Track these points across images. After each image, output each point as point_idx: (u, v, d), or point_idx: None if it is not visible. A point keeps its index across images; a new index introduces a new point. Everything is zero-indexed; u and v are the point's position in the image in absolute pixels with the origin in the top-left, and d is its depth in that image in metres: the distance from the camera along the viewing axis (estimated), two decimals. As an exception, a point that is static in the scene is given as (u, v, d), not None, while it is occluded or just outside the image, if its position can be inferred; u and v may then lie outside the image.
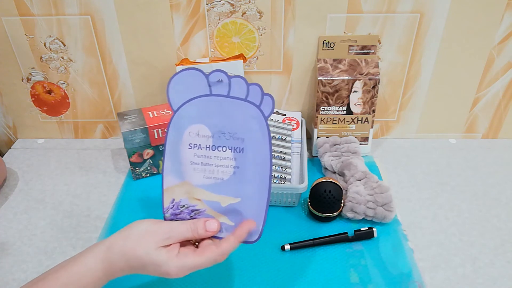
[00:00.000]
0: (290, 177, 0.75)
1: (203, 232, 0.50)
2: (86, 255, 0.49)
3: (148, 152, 0.79)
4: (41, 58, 0.83)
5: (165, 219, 0.53)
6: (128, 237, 0.48)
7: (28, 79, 0.86)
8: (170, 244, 0.48)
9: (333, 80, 0.79)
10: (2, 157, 0.88)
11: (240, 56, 0.76)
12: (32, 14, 0.77)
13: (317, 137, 0.84)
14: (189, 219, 0.52)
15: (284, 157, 0.77)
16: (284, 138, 0.80)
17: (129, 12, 0.76)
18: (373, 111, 0.81)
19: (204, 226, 0.50)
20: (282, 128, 0.81)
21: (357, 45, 0.79)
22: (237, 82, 0.50)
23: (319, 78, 0.79)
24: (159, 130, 0.77)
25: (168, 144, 0.53)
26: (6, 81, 0.87)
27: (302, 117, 0.87)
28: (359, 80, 0.79)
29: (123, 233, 0.49)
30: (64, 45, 0.81)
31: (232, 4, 0.75)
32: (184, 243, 0.50)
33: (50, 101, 0.89)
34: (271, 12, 0.76)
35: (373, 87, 0.79)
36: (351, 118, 0.82)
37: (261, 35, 0.79)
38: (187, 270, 0.48)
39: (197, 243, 0.51)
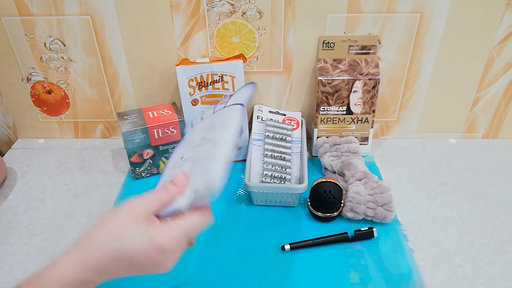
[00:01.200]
0: (290, 177, 0.75)
1: (174, 189, 0.44)
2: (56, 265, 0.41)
3: (148, 152, 0.79)
4: (41, 58, 0.83)
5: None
6: (102, 228, 0.41)
7: (28, 79, 0.86)
8: (148, 217, 0.42)
9: (333, 80, 0.79)
10: (2, 157, 0.88)
11: (240, 56, 0.76)
12: (32, 14, 0.77)
13: (317, 137, 0.84)
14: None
15: (284, 157, 0.77)
16: (284, 138, 0.80)
17: (129, 12, 0.76)
18: (373, 111, 0.81)
19: (173, 181, 0.44)
20: (282, 128, 0.81)
21: (357, 45, 0.79)
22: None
23: (319, 78, 0.79)
24: (159, 130, 0.77)
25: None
26: (6, 81, 0.87)
27: (302, 117, 0.87)
28: (359, 80, 0.79)
29: (97, 229, 0.42)
30: (64, 45, 0.81)
31: (232, 4, 0.75)
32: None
33: (50, 101, 0.89)
34: (271, 12, 0.76)
35: (373, 87, 0.79)
36: (351, 118, 0.82)
37: (261, 35, 0.79)
38: (178, 238, 0.41)
39: None
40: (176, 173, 0.47)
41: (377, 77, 0.79)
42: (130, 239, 0.40)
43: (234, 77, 0.76)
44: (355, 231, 0.67)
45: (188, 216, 0.44)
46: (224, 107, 0.54)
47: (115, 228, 0.40)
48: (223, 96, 0.56)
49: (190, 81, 0.76)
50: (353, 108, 0.81)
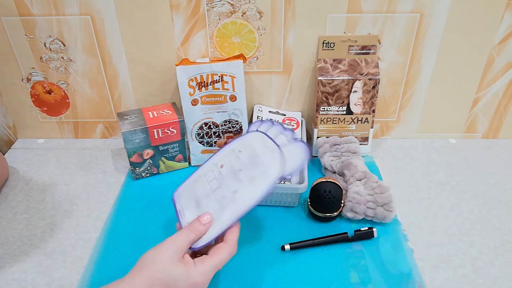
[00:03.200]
0: (290, 177, 0.75)
1: (202, 227, 0.52)
2: None
3: (148, 152, 0.79)
4: (41, 58, 0.83)
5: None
6: (143, 267, 0.48)
7: (28, 79, 0.86)
8: (183, 256, 0.50)
9: (333, 80, 0.79)
10: (2, 157, 0.88)
11: (240, 56, 0.76)
12: (32, 14, 0.77)
13: (317, 137, 0.84)
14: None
15: (284, 157, 0.77)
16: (284, 138, 0.80)
17: (129, 12, 0.76)
18: (373, 111, 0.81)
19: (200, 221, 0.52)
20: (282, 128, 0.81)
21: (357, 45, 0.79)
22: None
23: (319, 78, 0.79)
24: (159, 130, 0.77)
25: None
26: (6, 81, 0.87)
27: (302, 117, 0.87)
28: (359, 80, 0.79)
29: (137, 267, 0.49)
30: (64, 45, 0.81)
31: (232, 4, 0.75)
32: (195, 255, 0.53)
33: (50, 101, 0.89)
34: (271, 12, 0.76)
35: (373, 87, 0.79)
36: (351, 118, 0.82)
37: (261, 35, 0.79)
38: (210, 273, 0.50)
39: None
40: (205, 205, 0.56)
41: (377, 77, 0.79)
42: (173, 279, 0.48)
43: (234, 77, 0.76)
44: (355, 231, 0.67)
45: (218, 253, 0.51)
46: (285, 141, 0.57)
47: (159, 270, 0.48)
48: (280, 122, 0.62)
49: (190, 81, 0.76)
50: (353, 108, 0.81)
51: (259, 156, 0.56)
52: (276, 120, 0.83)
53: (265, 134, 0.58)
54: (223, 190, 0.55)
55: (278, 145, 0.55)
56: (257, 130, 0.60)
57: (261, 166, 0.54)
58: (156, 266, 0.48)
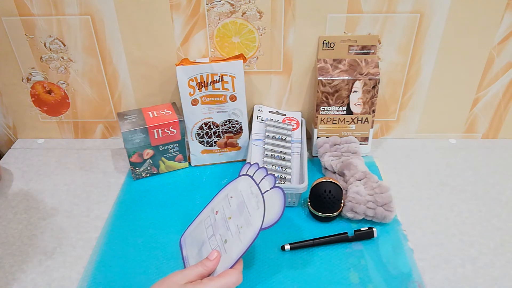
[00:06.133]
0: (290, 177, 0.75)
1: (210, 263, 0.54)
2: None
3: (148, 152, 0.79)
4: (41, 58, 0.83)
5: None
6: None
7: (28, 79, 0.86)
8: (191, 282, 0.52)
9: (333, 80, 0.79)
10: (2, 157, 0.88)
11: (240, 56, 0.76)
12: (32, 14, 0.77)
13: (317, 137, 0.84)
14: None
15: (284, 157, 0.77)
16: (284, 138, 0.80)
17: (129, 12, 0.76)
18: (373, 111, 0.81)
19: (208, 258, 0.55)
20: (282, 128, 0.81)
21: (357, 45, 0.79)
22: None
23: (319, 78, 0.79)
24: (159, 130, 0.77)
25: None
26: (6, 81, 0.87)
27: (302, 117, 0.87)
28: (359, 80, 0.79)
29: None
30: (64, 45, 0.81)
31: (232, 4, 0.75)
32: None
33: (50, 101, 0.89)
34: (271, 12, 0.76)
35: (373, 87, 0.79)
36: (351, 118, 0.82)
37: (261, 35, 0.79)
38: None
39: None
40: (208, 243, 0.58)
41: (377, 77, 0.79)
42: None
43: (234, 77, 0.76)
44: (355, 231, 0.67)
45: (227, 274, 0.53)
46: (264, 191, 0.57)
47: (166, 285, 0.51)
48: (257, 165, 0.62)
49: (190, 81, 0.76)
50: (353, 108, 0.81)
51: (245, 203, 0.57)
52: (276, 120, 0.83)
53: (252, 178, 0.59)
54: (217, 238, 0.57)
55: (261, 192, 0.56)
56: (246, 174, 0.61)
57: (246, 215, 0.55)
58: (163, 282, 0.51)
